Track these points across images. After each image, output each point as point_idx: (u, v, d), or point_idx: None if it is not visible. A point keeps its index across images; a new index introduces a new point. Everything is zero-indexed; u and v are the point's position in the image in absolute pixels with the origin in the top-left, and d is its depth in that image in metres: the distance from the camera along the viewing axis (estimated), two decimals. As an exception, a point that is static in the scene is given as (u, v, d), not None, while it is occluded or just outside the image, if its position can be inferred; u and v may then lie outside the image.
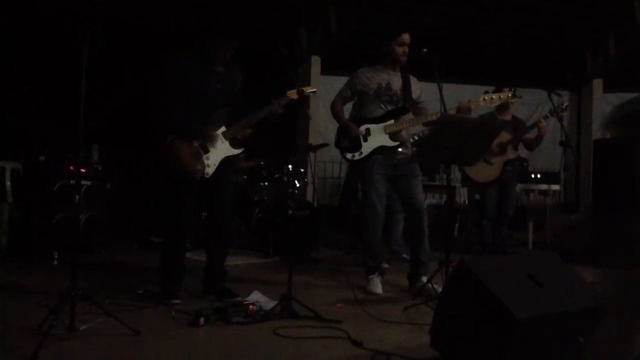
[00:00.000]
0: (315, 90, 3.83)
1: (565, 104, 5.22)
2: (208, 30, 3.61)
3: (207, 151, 3.58)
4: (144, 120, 3.77)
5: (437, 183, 7.17)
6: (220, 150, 3.64)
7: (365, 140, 4.15)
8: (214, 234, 3.83)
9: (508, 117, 5.57)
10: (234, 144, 3.71)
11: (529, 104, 8.64)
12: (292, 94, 3.70)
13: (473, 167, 5.48)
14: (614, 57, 8.66)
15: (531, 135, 5.49)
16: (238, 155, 3.88)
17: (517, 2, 7.73)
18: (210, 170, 3.58)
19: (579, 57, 9.23)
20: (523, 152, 5.99)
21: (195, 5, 7.10)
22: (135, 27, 7.06)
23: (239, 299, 3.64)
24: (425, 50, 3.98)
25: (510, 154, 5.45)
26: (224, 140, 3.66)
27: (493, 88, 5.57)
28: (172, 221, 3.66)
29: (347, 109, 4.52)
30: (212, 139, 3.60)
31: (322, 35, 7.88)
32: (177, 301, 3.51)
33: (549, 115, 5.24)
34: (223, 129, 3.66)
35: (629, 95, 9.61)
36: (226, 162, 3.67)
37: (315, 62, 8.17)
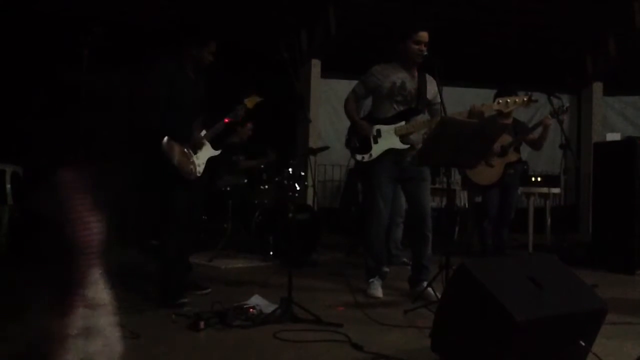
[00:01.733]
0: (261, 99, 4.06)
1: (566, 105, 5.19)
2: (190, 37, 3.76)
3: (195, 152, 3.81)
4: (133, 125, 3.82)
5: (437, 186, 7.17)
6: (206, 151, 3.88)
7: (376, 142, 4.07)
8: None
9: (509, 120, 5.56)
10: (214, 145, 3.97)
11: (529, 107, 8.65)
12: (249, 102, 4.02)
13: (474, 170, 5.46)
14: (614, 59, 8.67)
15: (534, 135, 5.48)
16: (217, 156, 4.09)
17: (517, 5, 7.74)
18: (200, 170, 3.80)
19: (579, 60, 9.24)
20: (524, 154, 5.99)
21: (196, 7, 7.12)
22: (136, 28, 7.07)
23: (209, 290, 3.94)
24: (426, 53, 3.98)
25: (512, 157, 5.44)
26: (205, 142, 3.90)
27: (491, 91, 5.57)
28: (170, 221, 3.71)
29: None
30: (202, 145, 3.86)
31: (322, 37, 7.90)
32: (185, 300, 3.56)
33: (549, 116, 5.23)
34: (204, 132, 3.88)
35: (629, 98, 9.63)
36: (208, 163, 3.90)
37: (316, 65, 8.18)
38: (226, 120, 3.98)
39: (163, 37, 7.03)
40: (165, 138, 3.61)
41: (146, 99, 3.62)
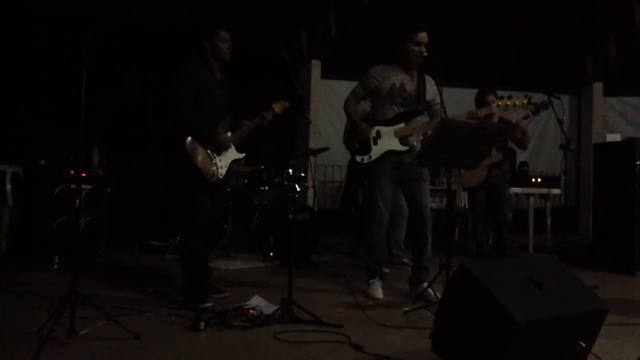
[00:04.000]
0: (290, 105, 3.93)
1: (543, 100, 5.14)
2: (204, 35, 3.73)
3: (219, 153, 3.72)
4: (160, 125, 3.79)
5: (437, 187, 7.17)
6: (229, 153, 3.80)
7: (375, 144, 4.07)
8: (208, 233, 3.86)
9: (495, 119, 5.53)
10: (238, 148, 3.87)
11: (529, 108, 8.65)
12: (278, 107, 3.88)
13: (458, 176, 5.48)
14: (613, 60, 8.67)
15: (518, 134, 5.47)
16: (241, 159, 4.02)
17: (517, 5, 7.74)
18: (222, 172, 3.72)
19: (579, 60, 9.24)
20: (524, 155, 5.99)
21: (195, 9, 7.12)
22: (136, 31, 7.08)
23: (227, 294, 3.84)
24: (425, 54, 3.98)
25: (494, 157, 5.41)
26: (231, 144, 3.82)
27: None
28: (191, 223, 3.67)
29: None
30: (227, 147, 3.76)
31: (322, 38, 7.90)
32: (209, 304, 3.48)
33: (530, 114, 5.21)
34: (229, 134, 3.80)
35: (629, 99, 9.63)
36: (231, 165, 3.82)
37: (316, 65, 8.19)
38: (267, 124, 3.85)
39: (162, 41, 7.07)
40: (189, 139, 3.57)
41: (171, 100, 3.59)
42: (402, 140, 4.05)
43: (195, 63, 3.70)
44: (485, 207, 5.61)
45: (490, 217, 5.61)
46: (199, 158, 3.59)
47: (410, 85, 4.08)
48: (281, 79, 3.95)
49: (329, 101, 8.48)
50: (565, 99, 8.88)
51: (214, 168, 3.66)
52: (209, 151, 3.66)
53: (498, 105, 3.83)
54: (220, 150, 3.72)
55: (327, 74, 8.34)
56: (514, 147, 5.72)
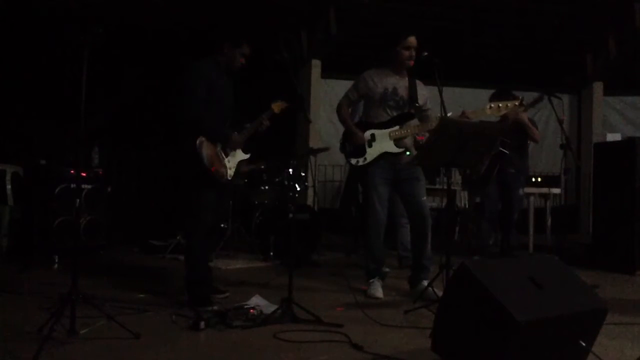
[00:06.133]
0: (287, 104, 3.95)
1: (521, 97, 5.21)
2: (227, 39, 3.73)
3: (227, 155, 3.74)
4: (164, 125, 3.77)
5: (437, 186, 7.17)
6: (237, 154, 3.83)
7: (370, 146, 4.10)
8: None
9: (515, 117, 5.54)
10: (243, 149, 3.90)
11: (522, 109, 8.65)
12: (276, 107, 3.90)
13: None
14: (614, 59, 8.67)
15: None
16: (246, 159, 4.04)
17: (517, 4, 7.74)
18: (231, 173, 3.74)
19: (579, 59, 9.24)
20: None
21: (195, 8, 7.12)
22: (136, 29, 7.08)
23: (227, 294, 3.82)
24: (426, 53, 3.98)
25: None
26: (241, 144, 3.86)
27: (492, 91, 5.57)
28: (196, 223, 3.67)
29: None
30: (238, 147, 3.80)
31: (323, 38, 7.90)
32: (214, 307, 3.45)
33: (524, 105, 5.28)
34: (235, 134, 3.82)
35: (629, 98, 9.63)
36: (238, 166, 3.84)
37: (316, 65, 8.19)
38: (264, 129, 3.87)
39: (162, 40, 7.07)
40: (200, 139, 3.56)
41: (186, 99, 3.58)
42: (397, 142, 4.08)
43: (207, 63, 3.69)
44: (497, 204, 5.60)
45: (499, 215, 5.61)
46: (210, 159, 3.59)
47: (402, 89, 4.13)
48: (281, 79, 3.95)
49: (329, 101, 8.47)
50: (566, 98, 8.87)
51: (223, 169, 3.67)
52: (219, 152, 3.67)
53: (490, 107, 3.85)
54: (232, 149, 3.75)
55: (327, 73, 8.34)
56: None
